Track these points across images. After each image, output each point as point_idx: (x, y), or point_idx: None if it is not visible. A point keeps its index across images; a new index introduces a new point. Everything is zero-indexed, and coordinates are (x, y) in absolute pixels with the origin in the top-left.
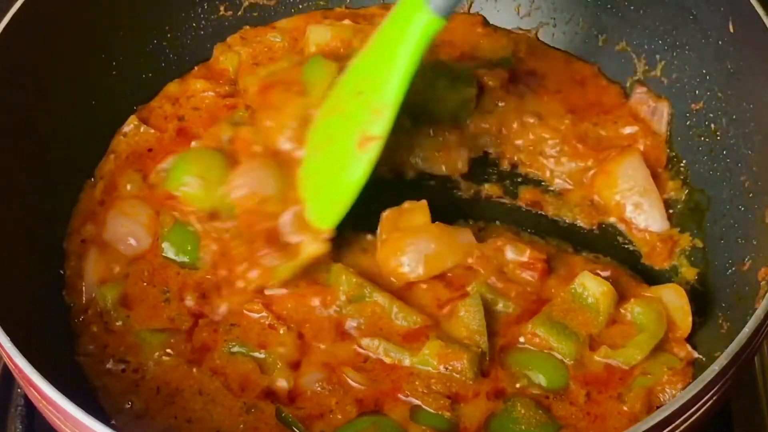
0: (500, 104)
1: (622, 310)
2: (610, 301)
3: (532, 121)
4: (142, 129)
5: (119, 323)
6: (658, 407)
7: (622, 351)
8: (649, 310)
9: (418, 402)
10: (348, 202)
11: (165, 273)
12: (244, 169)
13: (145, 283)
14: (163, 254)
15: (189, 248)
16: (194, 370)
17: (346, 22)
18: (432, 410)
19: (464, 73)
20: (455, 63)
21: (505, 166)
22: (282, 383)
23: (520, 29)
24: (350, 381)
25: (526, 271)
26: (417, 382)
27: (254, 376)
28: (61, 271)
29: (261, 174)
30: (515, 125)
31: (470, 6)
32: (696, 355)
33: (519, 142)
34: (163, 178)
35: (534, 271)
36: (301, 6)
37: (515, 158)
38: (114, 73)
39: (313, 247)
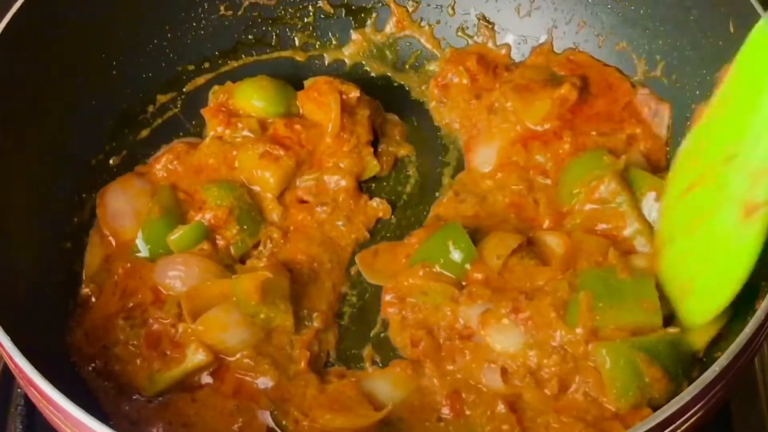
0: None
1: None
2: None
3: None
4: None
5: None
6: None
7: None
8: None
9: None
10: (737, 284)
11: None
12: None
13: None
14: (135, 253)
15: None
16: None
17: None
18: None
19: None
20: None
21: None
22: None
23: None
24: None
25: None
26: None
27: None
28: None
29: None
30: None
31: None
32: None
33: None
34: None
35: None
36: (301, 6)
37: None
38: (114, 73)
39: (198, 357)
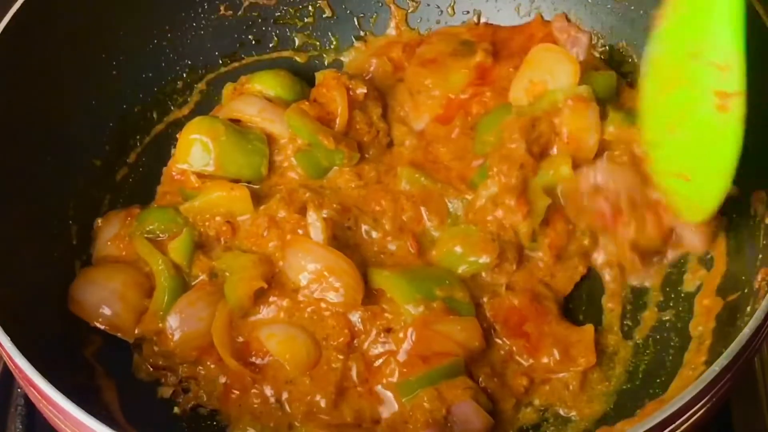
0: None
1: None
2: None
3: None
4: None
5: None
6: None
7: None
8: None
9: None
10: (729, 171)
11: None
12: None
13: None
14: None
15: None
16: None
17: None
18: None
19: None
20: None
21: None
22: None
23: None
24: None
25: None
26: None
27: None
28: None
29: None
30: None
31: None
32: None
33: None
34: None
35: None
36: (301, 6)
37: None
38: (114, 73)
39: None
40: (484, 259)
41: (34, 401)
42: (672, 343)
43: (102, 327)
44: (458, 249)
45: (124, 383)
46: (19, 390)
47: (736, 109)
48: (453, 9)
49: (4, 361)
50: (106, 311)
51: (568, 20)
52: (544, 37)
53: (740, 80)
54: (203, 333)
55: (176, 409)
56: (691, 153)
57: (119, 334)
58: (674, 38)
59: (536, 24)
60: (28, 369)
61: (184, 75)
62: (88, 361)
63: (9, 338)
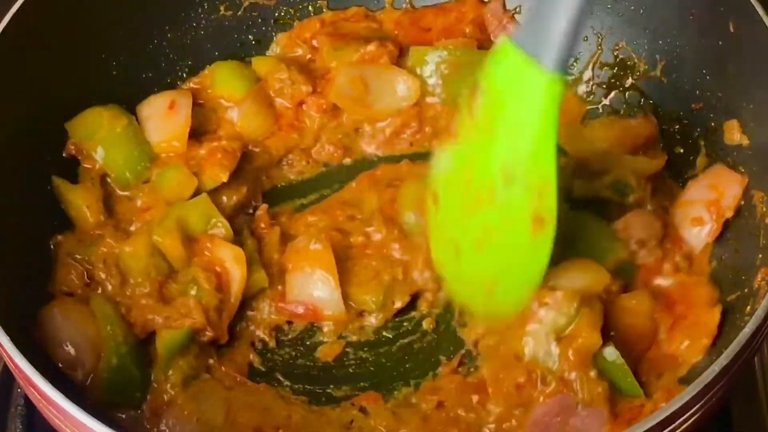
0: None
1: None
2: None
3: None
4: None
5: None
6: None
7: None
8: None
9: None
10: (538, 280)
11: None
12: None
13: None
14: None
15: None
16: None
17: None
18: None
19: None
20: None
21: None
22: None
23: None
24: None
25: None
26: None
27: None
28: None
29: None
30: None
31: None
32: None
33: None
34: None
35: None
36: (300, 6)
37: None
38: (114, 73)
39: None
40: None
41: (34, 401)
42: None
43: None
44: None
45: None
46: (19, 390)
47: (546, 232)
48: None
49: (4, 361)
50: None
51: (505, 7)
52: (474, 19)
53: (553, 204)
54: None
55: None
56: (501, 265)
57: None
58: (477, 163)
59: (471, 3)
60: (28, 369)
61: (184, 75)
62: None
63: (9, 338)
